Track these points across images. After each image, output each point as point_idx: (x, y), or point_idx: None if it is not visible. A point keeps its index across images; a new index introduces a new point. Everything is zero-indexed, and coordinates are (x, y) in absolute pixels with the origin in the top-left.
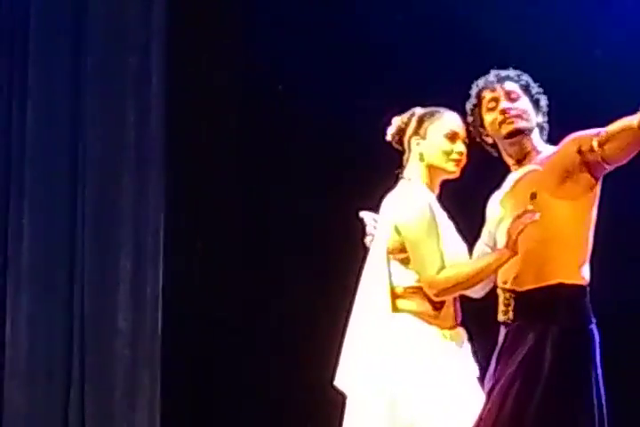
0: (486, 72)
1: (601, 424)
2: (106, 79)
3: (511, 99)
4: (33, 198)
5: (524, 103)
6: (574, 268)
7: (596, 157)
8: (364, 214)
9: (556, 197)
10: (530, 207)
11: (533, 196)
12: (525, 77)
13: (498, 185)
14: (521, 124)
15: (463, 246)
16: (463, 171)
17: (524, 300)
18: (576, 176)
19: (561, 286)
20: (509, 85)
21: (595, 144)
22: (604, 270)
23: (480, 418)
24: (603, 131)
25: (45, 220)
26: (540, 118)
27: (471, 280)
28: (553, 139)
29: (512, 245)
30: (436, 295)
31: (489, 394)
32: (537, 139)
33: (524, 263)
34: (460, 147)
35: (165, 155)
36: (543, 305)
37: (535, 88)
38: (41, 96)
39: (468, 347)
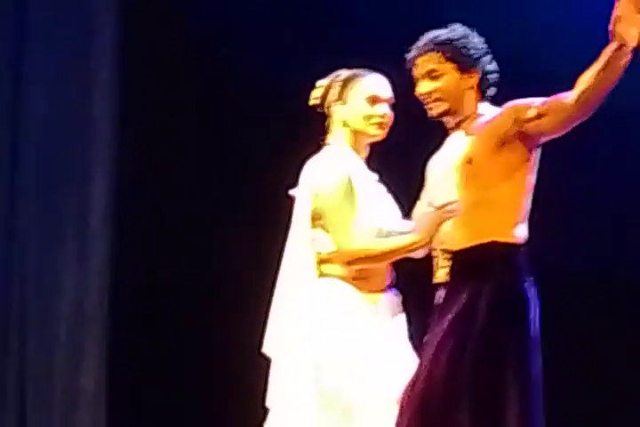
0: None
1: (534, 381)
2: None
3: (432, 77)
4: None
5: (448, 78)
6: (508, 227)
7: (532, 127)
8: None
9: (492, 163)
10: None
11: (469, 161)
12: (456, 41)
13: (438, 146)
14: (440, 108)
15: (395, 211)
16: (399, 132)
17: (459, 259)
18: (512, 144)
19: (494, 244)
20: (429, 61)
21: (532, 115)
22: (544, 231)
23: (415, 377)
24: (542, 101)
25: None
26: (474, 81)
27: (381, 258)
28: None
29: (429, 234)
30: (346, 264)
31: (424, 353)
32: (472, 104)
33: (459, 224)
34: (381, 109)
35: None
36: (477, 264)
37: (467, 52)
38: None
39: (399, 310)
